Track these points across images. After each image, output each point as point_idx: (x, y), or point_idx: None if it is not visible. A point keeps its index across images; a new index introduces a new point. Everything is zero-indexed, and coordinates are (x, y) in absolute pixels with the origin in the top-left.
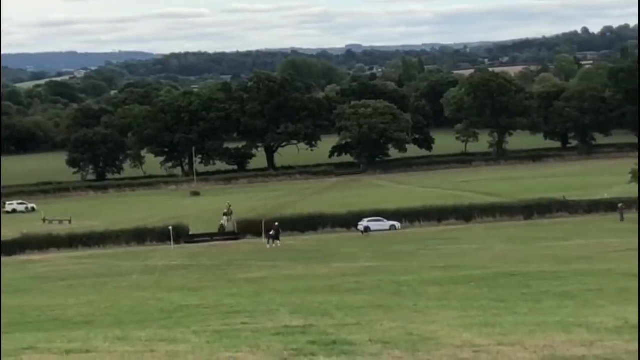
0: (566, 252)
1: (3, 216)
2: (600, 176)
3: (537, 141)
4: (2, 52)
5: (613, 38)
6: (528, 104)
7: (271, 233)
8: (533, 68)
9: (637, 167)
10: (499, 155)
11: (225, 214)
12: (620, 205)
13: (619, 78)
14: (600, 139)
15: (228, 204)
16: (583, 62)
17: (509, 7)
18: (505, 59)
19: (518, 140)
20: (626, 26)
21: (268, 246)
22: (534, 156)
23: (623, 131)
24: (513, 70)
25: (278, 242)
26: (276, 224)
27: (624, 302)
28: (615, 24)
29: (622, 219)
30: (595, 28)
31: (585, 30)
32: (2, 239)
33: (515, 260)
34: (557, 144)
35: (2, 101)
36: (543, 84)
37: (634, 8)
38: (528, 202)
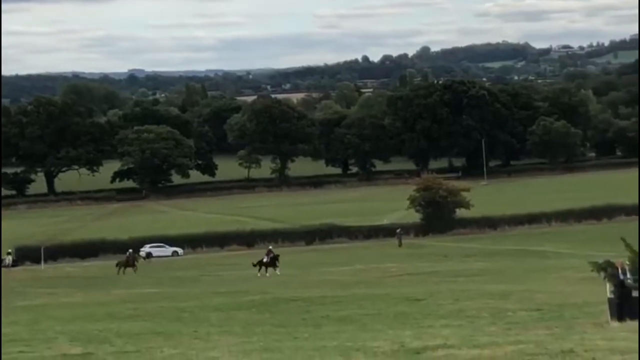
0: (346, 277)
1: None
2: (380, 202)
3: (319, 167)
4: None
5: (392, 66)
6: (310, 130)
7: (264, 260)
8: (315, 95)
9: (415, 193)
10: (281, 181)
11: None
12: (398, 230)
13: (397, 106)
14: (379, 165)
15: None
16: (363, 90)
17: (291, 35)
18: (288, 86)
19: (300, 167)
20: (405, 55)
21: (259, 274)
22: (316, 182)
23: (401, 158)
24: (295, 97)
25: (276, 269)
26: (270, 247)
27: (401, 326)
28: (395, 52)
29: (400, 244)
30: (375, 56)
31: (365, 58)
32: None
33: (297, 285)
34: (338, 170)
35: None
36: (324, 111)
37: (411, 38)
38: (309, 227)
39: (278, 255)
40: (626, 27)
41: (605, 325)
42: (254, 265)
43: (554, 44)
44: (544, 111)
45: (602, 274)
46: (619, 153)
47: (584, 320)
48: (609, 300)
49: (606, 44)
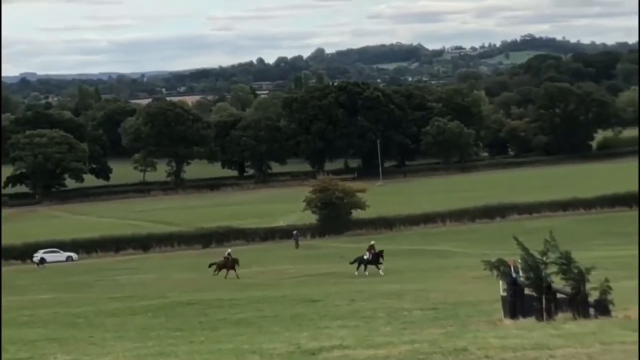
0: (243, 279)
1: None
2: (276, 204)
3: (215, 170)
4: None
5: (287, 69)
6: (205, 133)
7: (365, 257)
8: (210, 97)
9: (311, 195)
10: (177, 184)
11: None
12: (295, 232)
13: (292, 107)
14: (276, 167)
15: None
16: (259, 92)
17: (185, 37)
18: (183, 89)
19: (196, 169)
20: (300, 57)
21: (366, 272)
22: (212, 185)
23: (297, 159)
24: (190, 100)
25: (380, 268)
26: (372, 242)
27: (298, 328)
28: (290, 54)
29: (297, 246)
30: (270, 59)
31: (260, 60)
32: None
33: (194, 289)
34: (234, 173)
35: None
36: (220, 114)
37: (306, 40)
38: (206, 230)
39: (382, 251)
40: (517, 28)
41: (498, 323)
42: (351, 264)
43: (447, 45)
44: (437, 112)
45: (495, 272)
46: (511, 152)
47: (477, 318)
48: (502, 298)
49: (497, 44)
